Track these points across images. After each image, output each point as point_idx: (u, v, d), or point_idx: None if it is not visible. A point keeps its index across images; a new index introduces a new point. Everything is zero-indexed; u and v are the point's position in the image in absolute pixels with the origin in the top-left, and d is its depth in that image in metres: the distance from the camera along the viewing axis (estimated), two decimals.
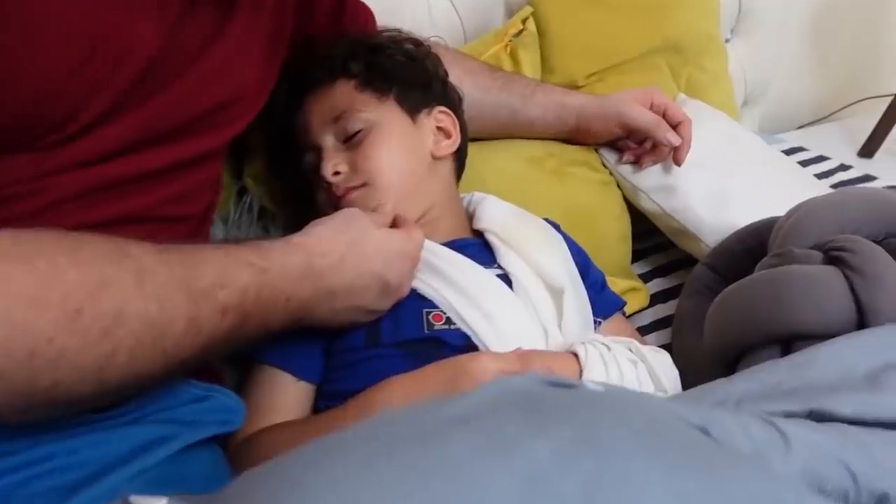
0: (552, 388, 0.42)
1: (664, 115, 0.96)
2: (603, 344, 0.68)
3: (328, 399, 0.70)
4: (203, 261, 0.54)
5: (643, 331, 0.94)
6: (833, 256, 0.70)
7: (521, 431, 0.36)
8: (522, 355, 0.62)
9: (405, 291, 0.69)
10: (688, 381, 0.71)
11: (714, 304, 0.76)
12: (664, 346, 0.93)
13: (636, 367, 0.69)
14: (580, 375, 0.65)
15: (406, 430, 0.36)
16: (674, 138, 0.94)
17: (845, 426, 0.58)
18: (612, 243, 0.99)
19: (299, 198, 0.87)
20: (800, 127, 1.82)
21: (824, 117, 1.84)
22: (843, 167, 1.41)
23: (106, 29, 0.56)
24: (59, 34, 0.53)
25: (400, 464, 0.34)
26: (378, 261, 0.65)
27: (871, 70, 1.87)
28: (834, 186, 1.34)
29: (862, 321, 0.67)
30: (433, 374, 0.61)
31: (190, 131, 0.65)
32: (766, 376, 0.63)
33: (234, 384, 0.75)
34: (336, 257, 0.62)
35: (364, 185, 0.77)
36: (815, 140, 1.70)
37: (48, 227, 0.48)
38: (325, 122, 0.79)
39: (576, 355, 0.66)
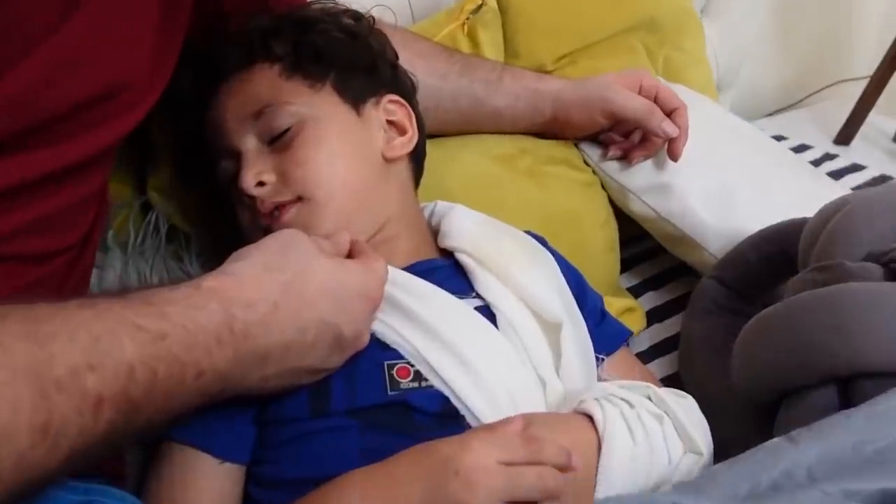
0: None
1: (655, 101, 0.81)
2: (623, 399, 0.52)
3: (262, 486, 0.52)
4: (61, 330, 0.36)
5: (641, 359, 0.79)
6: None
7: None
8: (527, 437, 0.45)
9: (364, 342, 0.52)
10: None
11: (746, 333, 0.61)
12: (666, 379, 0.78)
13: (661, 423, 0.53)
14: (599, 448, 0.48)
15: None
16: (670, 128, 0.79)
17: None
18: (598, 255, 0.84)
19: (220, 213, 0.69)
20: (769, 114, 1.71)
21: (794, 103, 1.73)
22: (829, 156, 1.29)
23: None
24: None
25: None
26: (327, 305, 0.48)
27: (841, 53, 1.77)
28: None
29: None
30: (408, 473, 0.44)
31: (49, 134, 0.47)
32: (840, 434, 0.48)
33: (138, 468, 0.57)
34: (267, 306, 0.45)
35: (298, 199, 0.59)
36: (788, 127, 1.59)
37: None
38: (243, 118, 0.62)
39: (590, 417, 0.50)
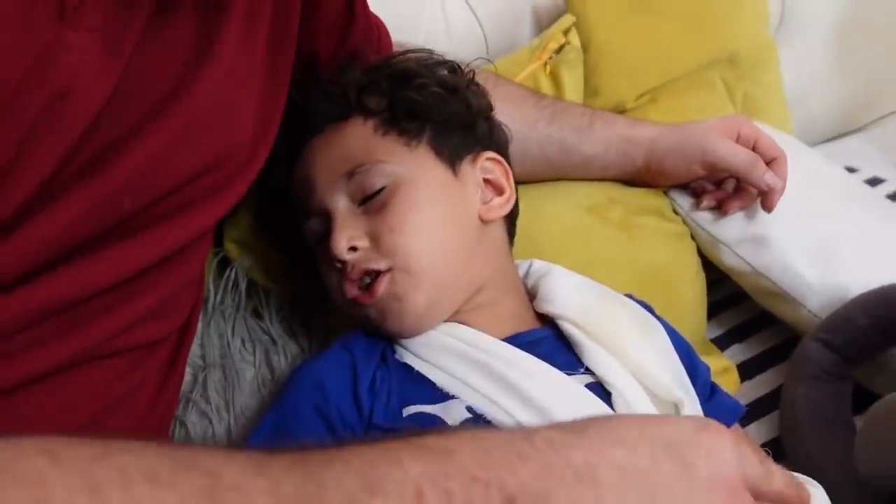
0: None
1: (755, 150, 0.76)
2: None
3: None
4: (335, 457, 0.31)
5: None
6: None
7: None
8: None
9: None
10: None
11: (876, 417, 0.57)
12: (765, 445, 0.74)
13: None
14: None
15: None
16: (773, 181, 0.75)
17: None
18: (688, 311, 0.79)
19: (302, 269, 0.66)
20: (827, 140, 1.66)
21: (854, 129, 1.68)
22: None
23: (25, 59, 0.35)
24: None
25: None
26: None
27: None
28: None
29: None
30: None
31: (164, 212, 0.43)
32: None
33: None
34: None
35: (391, 269, 0.56)
36: (851, 155, 1.54)
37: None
38: (335, 176, 0.58)
39: None
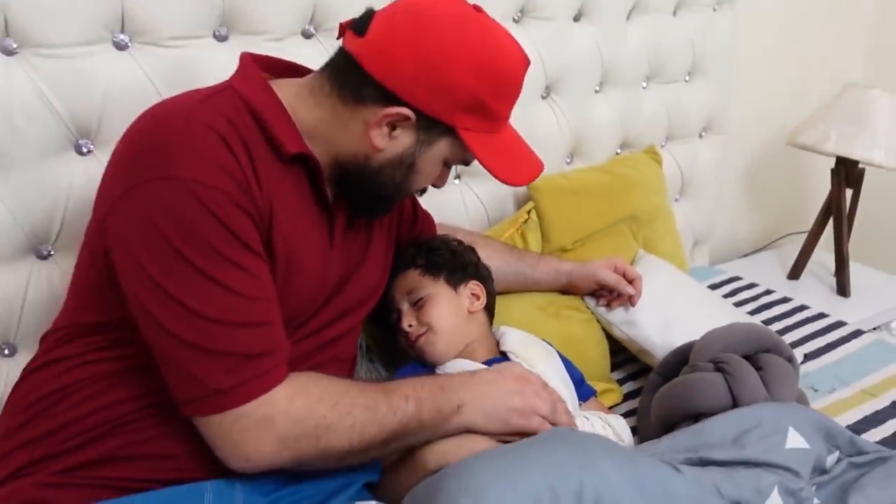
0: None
1: (624, 275, 1.46)
2: (585, 417, 1.17)
3: None
4: (390, 382, 1.02)
5: (624, 416, 1.42)
6: (719, 367, 1.19)
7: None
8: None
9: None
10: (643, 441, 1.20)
11: (656, 397, 1.25)
12: (633, 427, 1.41)
13: (605, 428, 1.17)
14: None
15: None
16: (630, 290, 1.45)
17: (721, 467, 1.05)
18: (595, 359, 1.48)
19: (390, 339, 1.37)
20: (745, 255, 2.34)
21: (763, 247, 2.36)
22: (768, 292, 1.92)
23: (326, 275, 1.06)
24: (309, 280, 1.02)
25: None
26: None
27: (798, 208, 2.40)
28: (759, 308, 1.84)
29: (735, 404, 1.15)
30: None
31: (353, 311, 1.14)
32: (677, 439, 1.11)
33: None
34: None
35: (426, 331, 1.24)
36: (753, 267, 2.21)
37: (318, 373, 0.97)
38: (402, 295, 1.28)
39: None
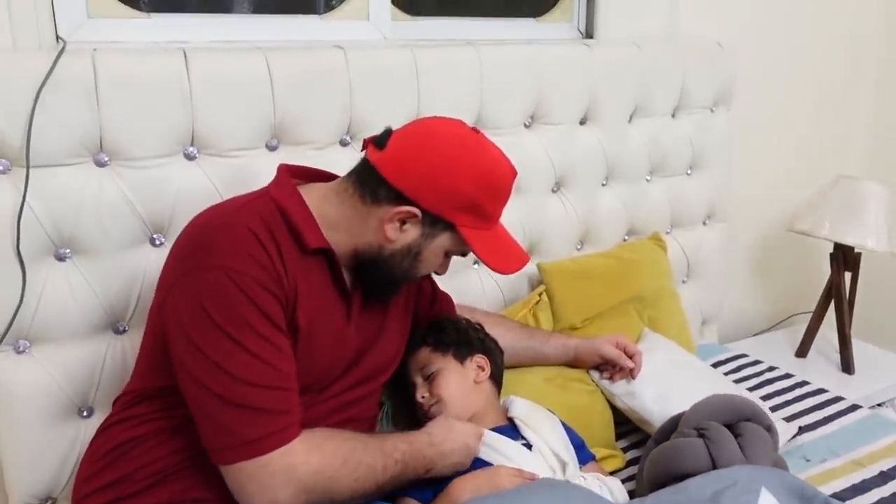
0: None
1: (625, 350, 1.62)
2: (582, 477, 1.32)
3: None
4: (387, 441, 1.20)
5: (623, 481, 1.56)
6: (701, 433, 1.34)
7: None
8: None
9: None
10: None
11: (647, 460, 1.39)
12: (632, 491, 1.54)
13: (601, 488, 1.32)
14: None
15: None
16: (629, 364, 1.60)
17: None
18: (599, 427, 1.63)
19: (406, 401, 1.54)
20: (755, 334, 2.47)
21: (772, 326, 2.49)
22: (771, 368, 2.05)
23: (344, 347, 1.25)
24: (328, 351, 1.21)
25: None
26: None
27: (804, 289, 2.54)
28: (762, 383, 1.97)
29: (714, 466, 1.29)
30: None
31: (372, 378, 1.33)
32: (661, 496, 1.25)
33: None
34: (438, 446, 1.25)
35: (437, 402, 1.41)
36: (763, 345, 2.34)
37: (331, 428, 1.16)
38: (416, 369, 1.46)
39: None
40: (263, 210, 1.13)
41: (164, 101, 1.34)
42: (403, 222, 1.16)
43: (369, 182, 1.16)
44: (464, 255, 1.25)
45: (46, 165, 1.28)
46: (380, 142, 1.17)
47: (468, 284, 1.79)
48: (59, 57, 1.25)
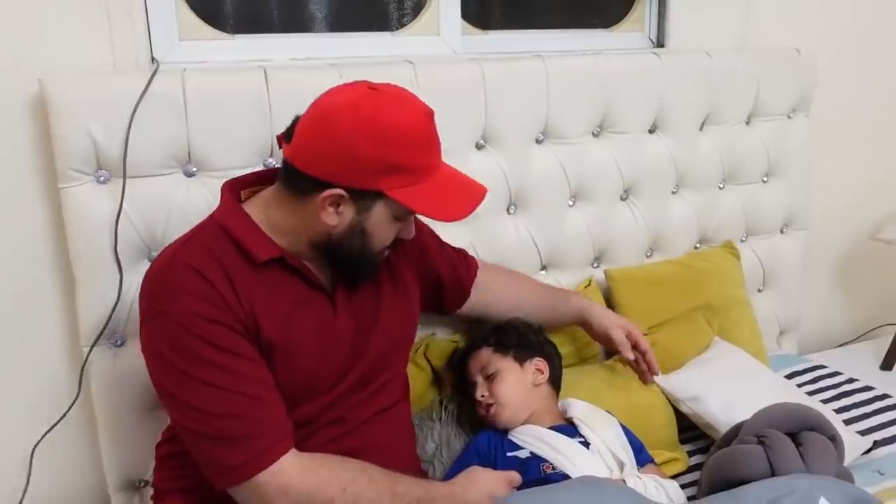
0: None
1: (636, 345, 1.58)
2: (638, 477, 1.34)
3: None
4: (400, 483, 1.16)
5: (685, 485, 1.56)
6: (761, 441, 1.34)
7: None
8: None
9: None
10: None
11: (705, 465, 1.40)
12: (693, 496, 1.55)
13: (657, 489, 1.34)
14: None
15: None
16: (630, 355, 1.57)
17: None
18: (659, 427, 1.64)
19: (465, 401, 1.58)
20: (839, 345, 2.40)
21: (857, 337, 2.41)
22: (850, 380, 2.00)
23: (334, 340, 1.25)
24: (314, 351, 1.18)
25: None
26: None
27: (891, 299, 2.45)
28: (838, 395, 1.93)
29: (773, 473, 1.29)
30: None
31: (386, 362, 1.33)
32: (717, 501, 1.26)
33: None
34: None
35: (495, 402, 1.46)
36: (846, 357, 2.27)
37: (332, 455, 1.16)
38: (477, 369, 1.51)
39: (624, 481, 1.32)
40: (208, 237, 1.16)
41: (246, 115, 1.45)
42: (337, 205, 1.13)
43: (291, 178, 1.14)
44: (412, 213, 1.20)
45: (141, 176, 1.40)
46: (287, 135, 1.15)
47: (502, 235, 1.76)
48: (153, 77, 1.37)
